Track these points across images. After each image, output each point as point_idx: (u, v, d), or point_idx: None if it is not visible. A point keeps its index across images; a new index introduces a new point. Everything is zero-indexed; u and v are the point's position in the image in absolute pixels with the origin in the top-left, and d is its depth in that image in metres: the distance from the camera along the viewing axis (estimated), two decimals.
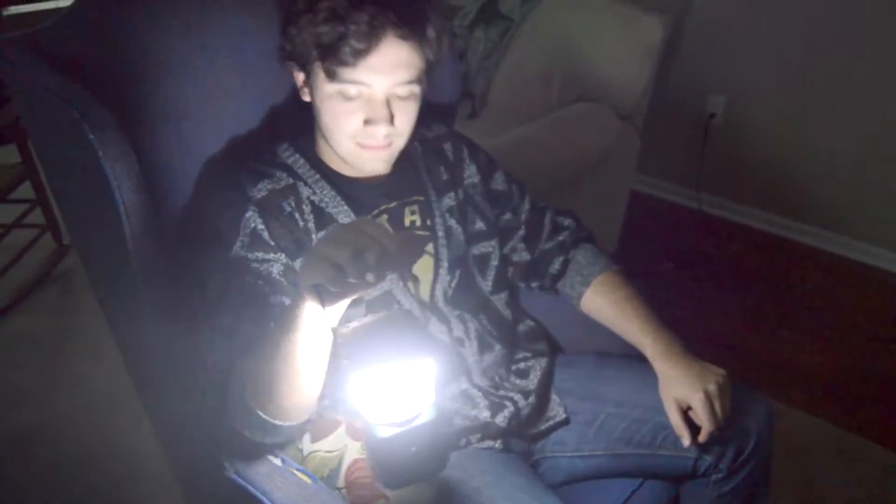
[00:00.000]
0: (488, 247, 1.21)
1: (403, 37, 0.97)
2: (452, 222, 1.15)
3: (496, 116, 2.43)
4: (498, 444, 1.12)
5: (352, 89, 0.98)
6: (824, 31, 2.44)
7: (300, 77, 1.04)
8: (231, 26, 1.08)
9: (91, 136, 0.83)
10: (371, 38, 0.95)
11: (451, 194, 1.17)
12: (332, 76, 0.97)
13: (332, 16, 0.94)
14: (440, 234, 1.13)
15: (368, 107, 0.99)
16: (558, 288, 1.26)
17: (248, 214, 0.99)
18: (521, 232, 1.25)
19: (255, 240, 0.98)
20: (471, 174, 1.22)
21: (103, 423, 1.90)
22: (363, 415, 0.78)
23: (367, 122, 1.00)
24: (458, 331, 1.12)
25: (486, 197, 1.22)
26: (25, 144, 2.47)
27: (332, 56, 0.96)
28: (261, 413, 0.88)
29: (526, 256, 1.26)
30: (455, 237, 1.15)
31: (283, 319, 0.83)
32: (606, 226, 2.42)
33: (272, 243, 0.99)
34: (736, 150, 2.77)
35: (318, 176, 1.08)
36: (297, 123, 1.10)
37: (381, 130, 1.00)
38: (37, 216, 2.60)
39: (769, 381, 2.07)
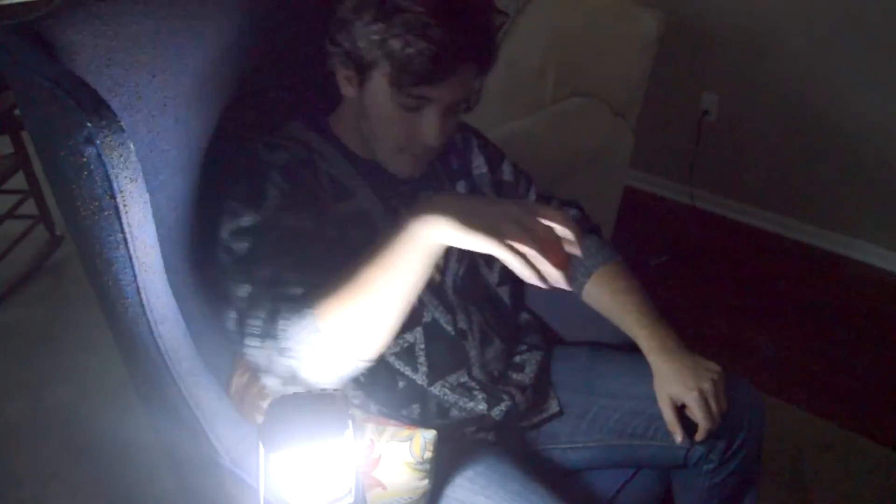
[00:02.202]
0: None
1: (479, 64, 0.98)
2: None
3: (490, 111, 2.42)
4: (491, 436, 1.13)
5: (414, 102, 0.98)
6: (817, 28, 2.45)
7: (347, 72, 1.02)
8: (229, 16, 1.08)
9: (88, 125, 0.82)
10: (454, 63, 0.95)
11: (462, 182, 1.19)
12: (399, 87, 0.97)
13: (416, 31, 0.92)
14: None
15: (425, 120, 1.00)
16: None
17: (271, 174, 0.99)
18: None
19: (281, 200, 0.98)
20: (479, 164, 1.23)
21: (96, 414, 1.91)
22: (282, 498, 0.75)
23: (420, 134, 1.01)
24: (463, 323, 1.13)
25: (494, 187, 1.23)
26: (18, 135, 2.46)
27: (408, 71, 0.95)
28: (341, 351, 0.87)
29: None
30: None
31: (384, 252, 0.84)
32: (600, 221, 2.42)
33: (297, 202, 0.99)
34: (729, 147, 2.78)
35: (333, 150, 1.09)
36: (303, 103, 1.11)
37: (432, 144, 1.01)
38: (30, 207, 2.60)
39: (760, 375, 2.08)
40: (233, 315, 0.92)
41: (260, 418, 0.99)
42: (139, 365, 1.00)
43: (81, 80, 0.89)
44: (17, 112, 2.37)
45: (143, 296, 0.91)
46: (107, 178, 0.84)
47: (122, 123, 0.85)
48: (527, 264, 0.77)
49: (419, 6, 0.92)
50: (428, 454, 0.99)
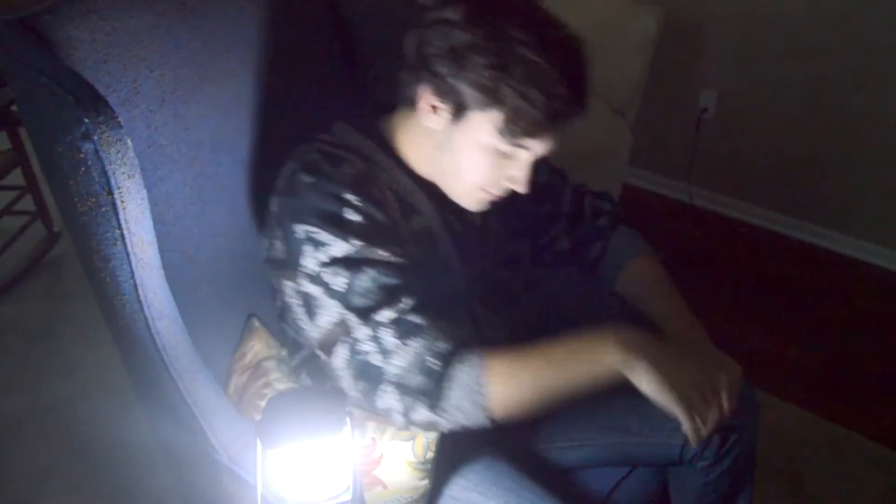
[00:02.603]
0: (523, 244, 1.22)
1: (581, 114, 0.97)
2: (493, 219, 1.14)
3: None
4: (487, 434, 1.13)
5: (511, 150, 0.96)
6: (816, 25, 2.45)
7: (440, 105, 0.95)
8: (228, 7, 1.08)
9: (85, 121, 0.82)
10: (564, 119, 0.94)
11: None
12: (500, 134, 0.93)
13: (537, 84, 0.89)
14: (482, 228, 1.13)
15: (517, 166, 0.98)
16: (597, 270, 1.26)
17: (345, 195, 0.94)
18: (563, 223, 1.23)
19: (364, 223, 0.93)
20: None
21: (95, 410, 1.91)
22: (280, 494, 0.76)
23: (507, 178, 0.99)
24: (486, 330, 1.12)
25: (533, 192, 1.22)
26: (16, 131, 2.45)
27: (520, 123, 0.92)
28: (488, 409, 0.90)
29: (567, 244, 1.24)
30: (494, 234, 1.15)
31: (570, 357, 0.91)
32: None
33: (380, 227, 0.95)
34: (727, 145, 2.78)
35: (392, 163, 1.04)
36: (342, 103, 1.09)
37: (521, 191, 1.01)
38: (27, 203, 2.59)
39: (757, 373, 2.08)
40: (342, 352, 0.91)
41: (258, 417, 1.00)
42: (137, 361, 1.00)
43: (79, 75, 0.89)
44: (14, 108, 2.36)
45: (140, 292, 0.91)
46: (104, 174, 0.84)
47: (119, 119, 0.85)
48: (693, 427, 0.89)
49: (542, 59, 0.89)
50: (430, 454, 0.98)
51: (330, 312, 0.91)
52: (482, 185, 1.00)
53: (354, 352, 0.90)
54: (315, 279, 0.91)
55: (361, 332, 0.90)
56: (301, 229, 0.92)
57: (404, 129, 1.04)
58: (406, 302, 0.91)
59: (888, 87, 2.38)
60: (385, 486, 0.99)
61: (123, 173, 0.86)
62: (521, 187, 1.00)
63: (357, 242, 0.91)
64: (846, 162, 2.56)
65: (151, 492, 1.67)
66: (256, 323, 1.13)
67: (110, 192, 0.86)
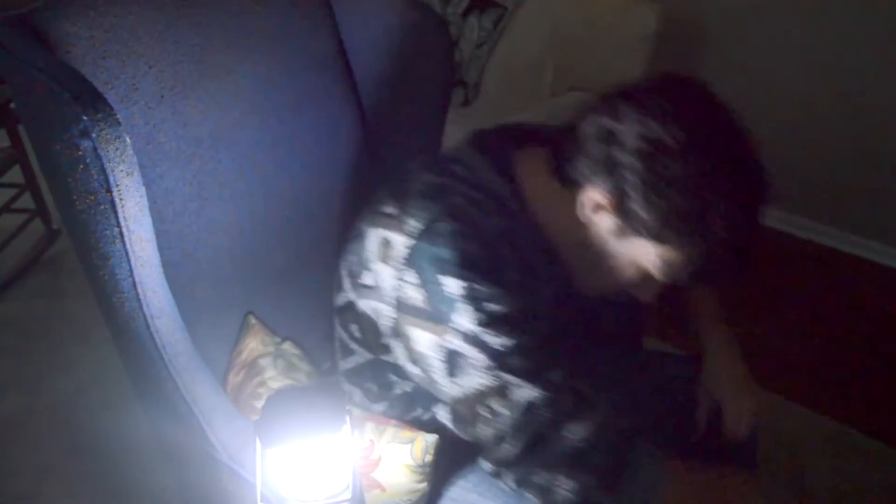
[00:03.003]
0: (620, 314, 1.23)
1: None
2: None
3: (489, 105, 2.42)
4: None
5: (665, 279, 0.91)
6: (816, 23, 2.45)
7: (606, 206, 0.87)
8: (227, 3, 1.08)
9: (84, 118, 0.82)
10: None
11: None
12: (664, 268, 0.89)
13: (725, 240, 0.84)
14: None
15: (658, 285, 0.93)
16: None
17: (501, 249, 0.87)
18: None
19: (520, 279, 0.88)
20: None
21: (94, 408, 1.90)
22: (280, 493, 0.75)
23: (656, 287, 0.94)
24: None
25: None
26: (15, 128, 2.45)
27: (687, 266, 0.86)
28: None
29: None
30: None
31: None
32: None
33: (529, 288, 0.89)
34: None
35: (528, 219, 0.94)
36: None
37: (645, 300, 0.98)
38: (26, 201, 2.58)
39: (756, 370, 2.08)
40: (493, 419, 0.84)
41: (254, 417, 0.99)
42: (136, 359, 0.99)
43: (77, 72, 0.89)
44: (12, 105, 2.36)
45: (139, 290, 0.91)
46: (103, 171, 0.84)
47: (118, 116, 0.84)
48: None
49: (740, 218, 0.84)
50: (429, 458, 0.98)
51: (483, 374, 0.84)
52: (624, 286, 0.95)
53: (516, 419, 0.83)
54: (469, 338, 0.83)
55: (526, 393, 0.83)
56: (453, 283, 0.84)
57: (549, 193, 0.93)
58: (565, 367, 0.85)
59: (888, 82, 2.38)
60: (383, 489, 0.98)
61: (122, 171, 0.85)
62: (650, 300, 0.96)
63: (518, 300, 0.85)
64: (844, 157, 2.55)
65: (151, 490, 1.66)
66: (253, 320, 1.13)
67: (109, 190, 0.85)
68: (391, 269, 0.89)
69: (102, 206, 0.86)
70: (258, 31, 1.10)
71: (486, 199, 0.91)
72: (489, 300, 0.84)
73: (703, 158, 0.82)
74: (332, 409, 0.73)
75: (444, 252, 0.85)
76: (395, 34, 1.28)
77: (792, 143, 2.64)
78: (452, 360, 0.85)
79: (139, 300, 0.91)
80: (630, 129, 0.83)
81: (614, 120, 0.84)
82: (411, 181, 0.94)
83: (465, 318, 0.83)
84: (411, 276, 0.87)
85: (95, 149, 0.83)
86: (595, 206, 0.88)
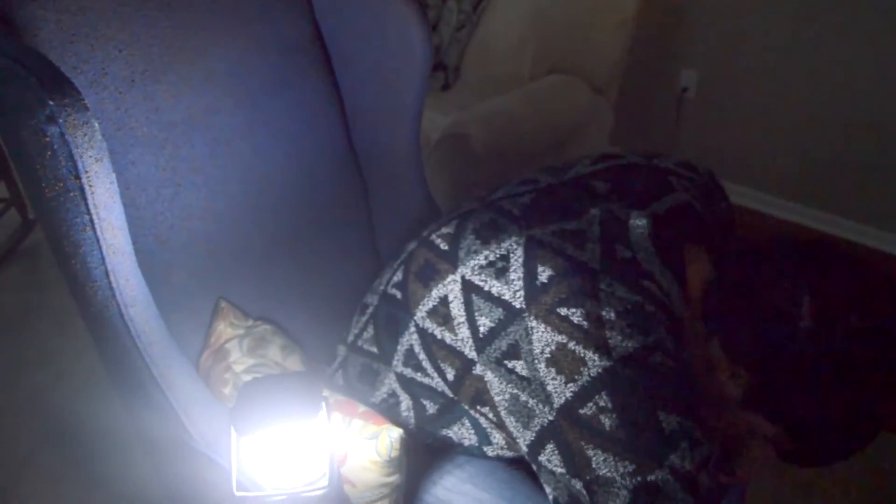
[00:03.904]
0: None
1: None
2: None
3: (469, 88, 2.41)
4: None
5: None
6: (799, 3, 2.45)
7: (730, 364, 0.86)
8: None
9: (50, 103, 0.80)
10: None
11: None
12: None
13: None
14: None
15: None
16: None
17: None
18: None
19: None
20: None
21: (72, 399, 1.89)
22: (256, 482, 0.74)
23: None
24: None
25: None
26: None
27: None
28: None
29: None
30: None
31: None
32: None
33: None
34: (709, 124, 2.78)
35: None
36: None
37: None
38: (1, 190, 2.55)
39: None
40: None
41: (222, 404, 0.98)
42: (111, 349, 0.98)
43: (44, 56, 0.87)
44: None
45: (112, 278, 0.89)
46: (71, 157, 0.82)
47: (85, 101, 0.83)
48: None
49: None
50: (395, 453, 0.95)
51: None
52: None
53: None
54: (684, 478, 0.79)
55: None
56: (673, 421, 0.79)
57: (696, 333, 0.91)
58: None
59: (874, 65, 2.39)
60: (353, 485, 0.97)
61: (91, 157, 0.84)
62: None
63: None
64: (828, 142, 2.56)
65: (130, 479, 1.65)
66: (223, 303, 1.12)
67: (78, 177, 0.84)
68: (564, 378, 0.81)
69: (72, 193, 0.85)
70: (231, 14, 1.08)
71: (681, 329, 0.86)
72: (703, 438, 0.81)
73: (869, 386, 0.79)
74: (308, 396, 0.72)
75: (659, 386, 0.80)
76: (372, 17, 1.26)
77: (776, 124, 2.65)
78: (648, 497, 0.78)
79: (112, 288, 0.90)
80: (811, 335, 0.78)
81: (792, 305, 0.80)
82: (602, 293, 0.84)
83: (682, 457, 0.79)
84: (603, 400, 0.79)
85: (63, 134, 0.81)
86: (733, 375, 0.86)
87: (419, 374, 0.97)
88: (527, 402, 0.83)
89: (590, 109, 2.26)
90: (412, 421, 1.01)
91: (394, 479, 0.98)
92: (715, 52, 2.67)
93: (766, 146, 2.69)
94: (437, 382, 0.95)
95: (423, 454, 1.06)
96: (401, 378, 0.99)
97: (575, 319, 0.81)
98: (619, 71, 2.32)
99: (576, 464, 0.80)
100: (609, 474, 0.78)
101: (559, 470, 0.82)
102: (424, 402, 0.98)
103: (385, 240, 1.39)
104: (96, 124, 0.84)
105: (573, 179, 1.01)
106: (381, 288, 1.06)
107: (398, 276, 1.01)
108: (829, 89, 2.49)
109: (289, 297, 1.22)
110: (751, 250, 0.88)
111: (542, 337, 0.82)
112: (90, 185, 0.84)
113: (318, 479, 0.74)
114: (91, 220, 0.86)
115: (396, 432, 0.96)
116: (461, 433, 0.98)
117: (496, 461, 1.04)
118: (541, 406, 0.82)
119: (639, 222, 0.89)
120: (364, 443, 0.95)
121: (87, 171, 0.83)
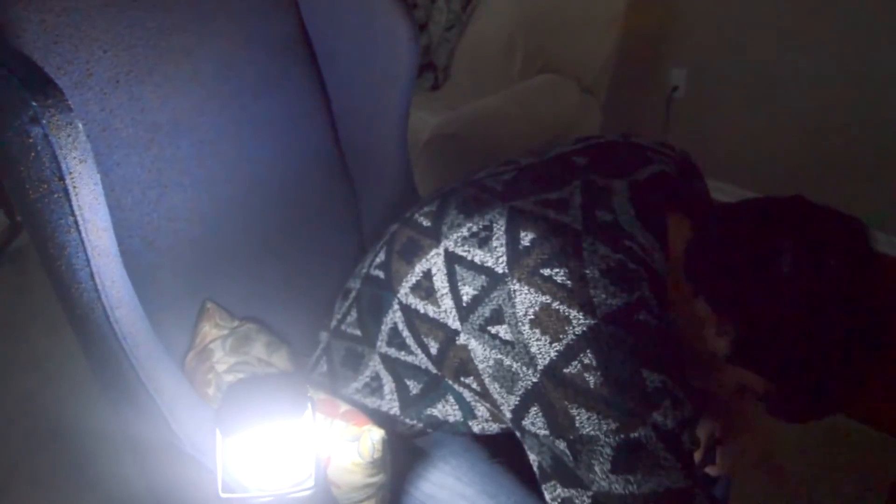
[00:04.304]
0: None
1: None
2: None
3: (458, 88, 2.41)
4: None
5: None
6: (788, 3, 2.46)
7: (727, 335, 0.86)
8: None
9: (33, 104, 0.80)
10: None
11: None
12: (762, 396, 0.89)
13: (839, 395, 0.85)
14: None
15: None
16: None
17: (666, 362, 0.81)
18: None
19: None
20: None
21: (61, 401, 1.88)
22: (241, 483, 0.74)
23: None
24: None
25: None
26: None
27: (784, 405, 0.87)
28: None
29: None
30: None
31: None
32: None
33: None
34: (699, 123, 2.79)
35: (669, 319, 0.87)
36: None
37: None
38: None
39: None
40: None
41: (207, 405, 0.98)
42: (97, 351, 0.98)
43: (27, 57, 0.87)
44: None
45: (97, 280, 0.89)
46: (54, 159, 0.82)
47: (69, 102, 0.82)
48: None
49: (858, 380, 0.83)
50: (378, 454, 0.94)
51: (674, 477, 0.78)
52: (711, 389, 0.96)
53: None
54: (666, 436, 0.78)
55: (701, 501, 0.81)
56: (657, 378, 0.78)
57: (681, 294, 0.90)
58: None
59: (864, 64, 2.40)
60: (339, 486, 0.97)
61: (75, 158, 0.83)
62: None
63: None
64: (819, 141, 2.57)
65: (118, 481, 1.65)
66: (209, 304, 1.11)
67: (62, 178, 0.83)
68: (549, 338, 0.80)
69: (56, 195, 0.84)
70: (216, 14, 1.08)
71: (636, 267, 0.84)
72: (684, 400, 0.80)
73: (852, 331, 0.80)
74: (293, 397, 0.72)
75: (643, 344, 0.80)
76: (358, 16, 1.26)
77: (766, 124, 2.66)
78: (631, 454, 0.78)
79: (97, 290, 0.90)
80: (793, 281, 0.80)
81: (774, 253, 0.82)
82: (585, 252, 0.83)
83: (665, 415, 0.78)
84: (588, 357, 0.78)
85: (46, 136, 0.81)
86: (715, 326, 0.86)
87: (403, 352, 0.96)
88: (511, 366, 0.82)
89: (579, 109, 2.26)
90: (396, 403, 1.00)
91: (378, 479, 0.97)
92: (705, 50, 2.68)
93: (756, 145, 2.70)
94: (420, 359, 0.95)
95: (406, 452, 1.06)
96: (385, 359, 0.99)
97: (559, 279, 0.81)
98: (609, 70, 2.33)
99: (559, 424, 0.80)
100: (593, 432, 0.78)
101: (543, 432, 0.82)
102: (408, 383, 0.98)
103: (373, 240, 1.39)
104: (80, 125, 0.83)
105: (554, 157, 1.03)
106: (364, 271, 1.05)
107: (381, 257, 1.01)
108: (818, 88, 2.50)
109: (276, 298, 1.22)
110: (730, 211, 0.90)
111: (526, 299, 0.81)
112: (74, 187, 0.84)
113: (305, 480, 0.74)
114: (76, 222, 0.85)
115: (378, 433, 0.94)
116: (445, 410, 0.97)
117: (478, 455, 1.05)
118: (525, 369, 0.81)
119: (619, 186, 0.91)
120: (346, 445, 0.94)
121: (71, 173, 0.83)
